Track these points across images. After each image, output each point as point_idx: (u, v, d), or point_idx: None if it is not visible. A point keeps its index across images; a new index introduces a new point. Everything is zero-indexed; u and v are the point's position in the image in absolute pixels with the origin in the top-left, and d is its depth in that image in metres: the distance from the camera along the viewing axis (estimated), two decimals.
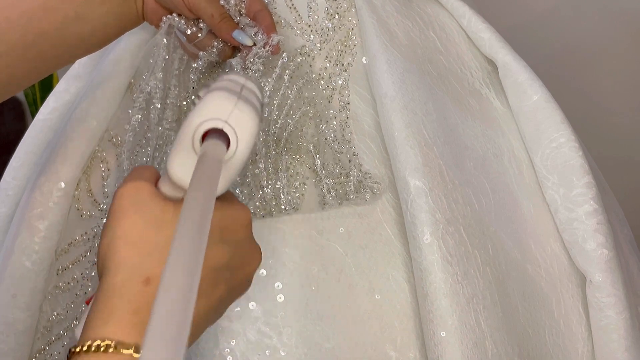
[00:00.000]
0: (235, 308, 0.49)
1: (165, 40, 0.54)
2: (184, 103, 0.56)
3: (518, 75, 0.58)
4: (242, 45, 0.53)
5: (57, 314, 0.56)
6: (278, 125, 0.52)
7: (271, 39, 0.52)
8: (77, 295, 0.56)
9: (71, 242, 0.57)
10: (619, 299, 0.52)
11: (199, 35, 0.53)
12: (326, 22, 0.57)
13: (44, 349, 0.56)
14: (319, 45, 0.57)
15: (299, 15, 0.57)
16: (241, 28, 0.53)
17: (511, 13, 1.31)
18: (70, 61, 0.51)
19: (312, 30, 0.57)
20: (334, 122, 0.55)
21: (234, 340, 0.49)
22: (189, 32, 0.53)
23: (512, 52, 0.59)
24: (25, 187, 0.64)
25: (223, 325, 0.49)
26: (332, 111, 0.55)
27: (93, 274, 0.55)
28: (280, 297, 0.50)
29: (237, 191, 0.51)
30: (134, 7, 0.51)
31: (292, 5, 0.58)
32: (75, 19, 0.47)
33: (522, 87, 0.57)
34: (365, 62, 0.57)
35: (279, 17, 0.57)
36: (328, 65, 0.57)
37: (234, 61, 0.53)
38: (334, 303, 0.50)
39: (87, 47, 0.50)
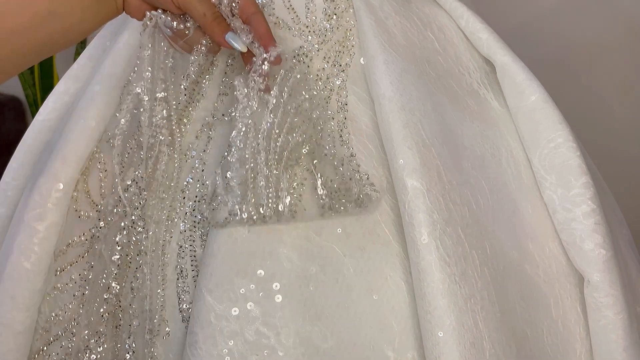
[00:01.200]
0: (233, 308, 0.50)
1: (149, 44, 0.52)
2: (173, 103, 0.55)
3: (516, 75, 0.58)
4: (234, 49, 0.51)
5: (56, 315, 0.56)
6: (279, 144, 0.51)
7: (269, 54, 0.51)
8: (75, 296, 0.56)
9: (69, 243, 0.57)
10: (617, 299, 0.52)
11: (187, 32, 0.51)
12: (324, 22, 0.58)
13: (43, 349, 0.56)
14: (316, 46, 0.57)
15: (297, 15, 0.58)
16: (234, 31, 0.52)
17: (509, 14, 1.31)
18: (41, 59, 0.48)
19: (310, 31, 0.57)
20: (332, 123, 0.55)
21: (232, 341, 0.49)
22: (175, 29, 0.51)
23: (510, 53, 0.59)
24: (24, 188, 0.64)
25: (221, 326, 0.49)
26: (329, 112, 0.55)
27: (91, 275, 0.56)
28: (278, 298, 0.50)
29: (236, 207, 0.50)
30: (114, 3, 0.49)
31: (290, 5, 0.58)
32: (48, 16, 0.45)
33: (520, 88, 0.57)
34: (363, 63, 0.57)
35: (277, 17, 0.58)
36: (326, 66, 0.57)
37: (236, 81, 0.51)
38: (332, 303, 0.51)
39: (60, 45, 0.48)
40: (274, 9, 0.58)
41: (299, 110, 0.52)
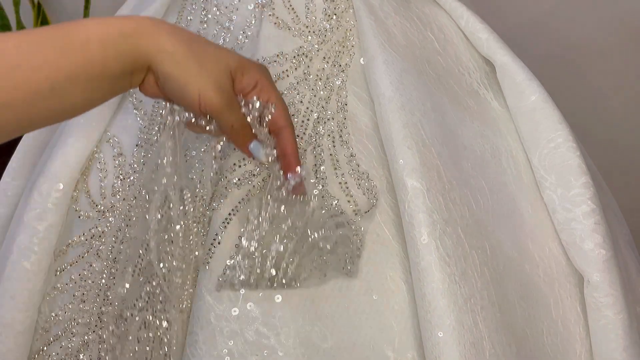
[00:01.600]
0: (233, 308, 0.50)
1: (170, 140, 0.46)
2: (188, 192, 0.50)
3: (516, 75, 0.58)
4: (255, 158, 0.48)
5: (55, 315, 0.56)
6: (289, 275, 0.49)
7: (287, 183, 0.47)
8: (75, 296, 0.56)
9: (69, 244, 0.57)
10: (616, 299, 0.52)
11: (208, 129, 0.46)
12: (324, 22, 0.58)
13: (43, 349, 0.56)
14: (316, 46, 0.57)
15: (297, 15, 0.58)
16: (259, 140, 0.47)
17: (509, 14, 1.31)
18: (36, 128, 0.43)
19: (310, 31, 0.57)
20: (332, 123, 0.55)
21: (232, 341, 0.49)
22: (196, 124, 0.46)
23: (510, 53, 0.59)
24: (24, 188, 0.64)
25: (221, 326, 0.49)
26: (329, 112, 0.55)
27: (90, 275, 0.56)
28: (278, 298, 0.50)
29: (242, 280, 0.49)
30: (128, 85, 0.44)
31: (290, 5, 0.58)
32: (51, 94, 0.39)
33: (520, 88, 0.58)
34: (363, 63, 0.57)
35: (277, 17, 0.58)
36: (326, 66, 0.57)
37: (253, 200, 0.49)
38: (331, 303, 0.51)
39: (60, 118, 0.43)
40: (274, 9, 0.58)
41: (313, 244, 0.49)
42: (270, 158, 0.47)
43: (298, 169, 0.47)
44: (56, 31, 0.40)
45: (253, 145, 0.47)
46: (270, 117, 0.47)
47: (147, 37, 0.42)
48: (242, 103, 0.46)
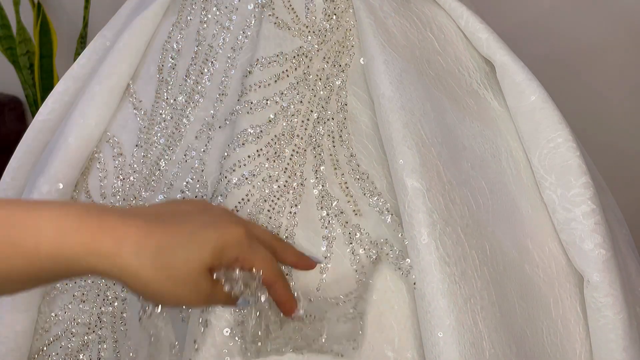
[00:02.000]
0: (233, 309, 0.50)
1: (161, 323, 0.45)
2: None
3: (516, 75, 0.58)
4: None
5: (55, 315, 0.56)
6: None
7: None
8: (75, 296, 0.56)
9: None
10: (616, 299, 0.52)
11: None
12: (324, 22, 0.58)
13: (43, 349, 0.56)
14: (316, 46, 0.57)
15: (297, 15, 0.58)
16: (246, 296, 0.45)
17: (509, 14, 1.31)
18: None
19: (309, 31, 0.57)
20: (332, 123, 0.55)
21: (232, 341, 0.49)
22: None
23: (510, 53, 0.59)
24: (24, 188, 0.64)
25: (221, 326, 0.49)
26: (329, 112, 0.55)
27: (89, 274, 0.56)
28: None
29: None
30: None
31: (290, 5, 0.58)
32: None
33: (520, 88, 0.58)
34: (363, 63, 0.57)
35: (277, 17, 0.58)
36: (326, 66, 0.57)
37: (246, 345, 0.49)
38: None
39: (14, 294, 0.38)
40: (273, 9, 0.58)
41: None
42: (265, 304, 0.46)
43: (296, 311, 0.47)
44: (2, 227, 0.35)
45: (240, 301, 0.45)
46: (259, 279, 0.45)
47: (106, 258, 0.36)
48: (224, 280, 0.44)
